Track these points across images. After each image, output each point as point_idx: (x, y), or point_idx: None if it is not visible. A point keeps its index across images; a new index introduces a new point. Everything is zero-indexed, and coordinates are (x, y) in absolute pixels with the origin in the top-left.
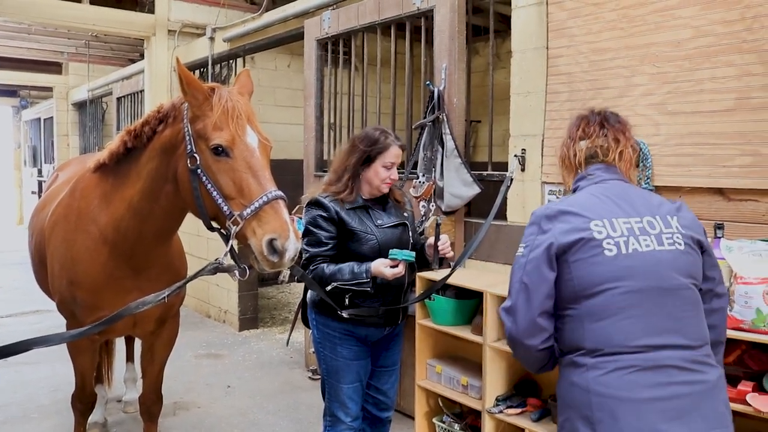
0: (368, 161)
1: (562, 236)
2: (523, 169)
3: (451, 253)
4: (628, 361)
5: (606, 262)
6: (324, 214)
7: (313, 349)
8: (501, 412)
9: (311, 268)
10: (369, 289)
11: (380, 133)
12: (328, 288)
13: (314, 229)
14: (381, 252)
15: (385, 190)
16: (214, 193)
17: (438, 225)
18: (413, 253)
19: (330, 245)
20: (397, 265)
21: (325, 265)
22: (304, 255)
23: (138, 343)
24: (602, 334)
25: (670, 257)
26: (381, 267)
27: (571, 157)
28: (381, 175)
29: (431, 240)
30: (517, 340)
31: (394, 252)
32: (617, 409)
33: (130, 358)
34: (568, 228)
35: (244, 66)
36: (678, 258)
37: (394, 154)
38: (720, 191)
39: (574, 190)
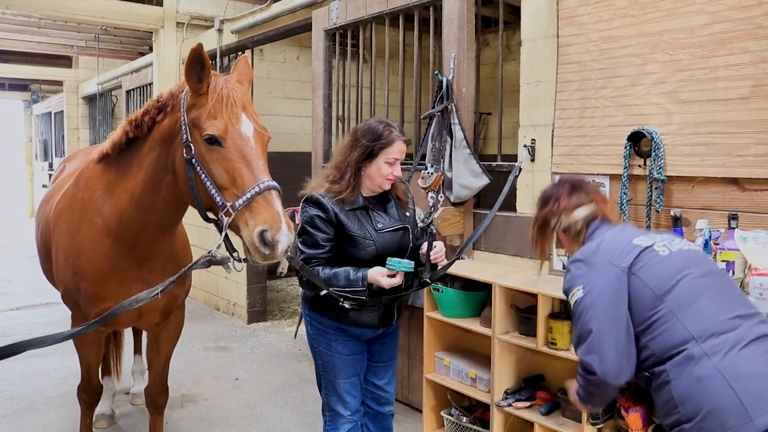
0: (370, 156)
1: (622, 259)
2: (532, 160)
3: (444, 262)
4: (735, 337)
5: (666, 259)
6: (323, 215)
7: None
8: (510, 405)
9: (308, 269)
10: (365, 297)
11: (384, 126)
12: (323, 293)
13: (311, 230)
14: (379, 257)
15: (387, 187)
16: (208, 184)
17: (432, 234)
18: (411, 263)
19: (327, 248)
20: (394, 275)
21: (320, 268)
22: (299, 255)
23: (145, 335)
24: (701, 315)
25: (701, 252)
26: (378, 276)
27: (573, 228)
28: (383, 172)
29: (424, 247)
30: (608, 381)
31: (392, 262)
32: (756, 384)
33: (137, 350)
34: (620, 251)
35: (252, 58)
36: (705, 254)
37: (398, 149)
38: (735, 181)
39: (584, 242)
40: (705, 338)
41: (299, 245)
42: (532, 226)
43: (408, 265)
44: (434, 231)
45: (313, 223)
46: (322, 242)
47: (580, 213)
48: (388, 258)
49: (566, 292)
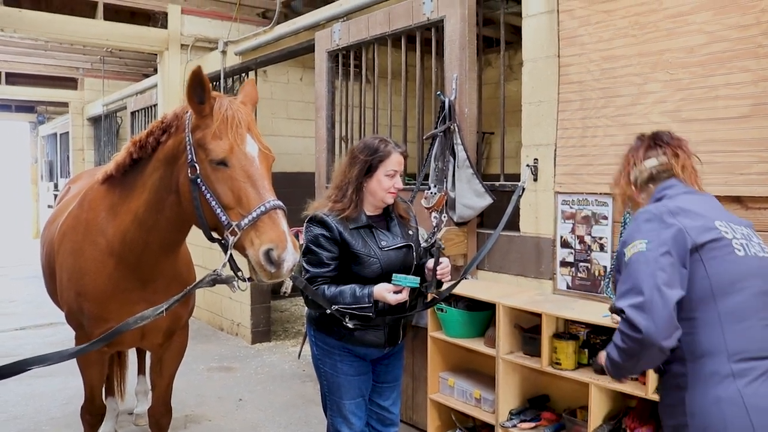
0: (370, 171)
1: (697, 234)
2: (535, 179)
3: (449, 278)
4: (765, 366)
5: (738, 261)
6: (327, 234)
7: None
8: (514, 426)
9: (312, 288)
10: (371, 314)
11: (379, 141)
12: (328, 311)
13: (316, 249)
14: (384, 275)
15: (390, 200)
16: (213, 203)
17: (439, 248)
18: (417, 279)
19: (332, 266)
20: (400, 291)
21: (325, 286)
22: (304, 274)
23: (148, 356)
24: (747, 335)
25: (767, 263)
26: (384, 292)
27: (640, 178)
28: (384, 185)
29: (430, 263)
30: (654, 341)
31: (398, 278)
32: None
33: (141, 370)
34: (698, 225)
35: (256, 79)
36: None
37: (395, 161)
38: (737, 199)
39: (659, 199)
40: (738, 359)
41: (304, 264)
42: (618, 181)
43: (414, 280)
44: (441, 245)
45: (317, 242)
46: (327, 261)
47: (650, 163)
48: (394, 274)
49: (626, 242)
